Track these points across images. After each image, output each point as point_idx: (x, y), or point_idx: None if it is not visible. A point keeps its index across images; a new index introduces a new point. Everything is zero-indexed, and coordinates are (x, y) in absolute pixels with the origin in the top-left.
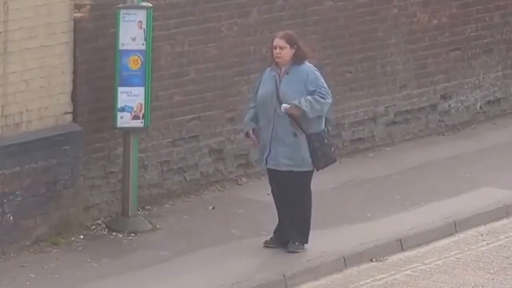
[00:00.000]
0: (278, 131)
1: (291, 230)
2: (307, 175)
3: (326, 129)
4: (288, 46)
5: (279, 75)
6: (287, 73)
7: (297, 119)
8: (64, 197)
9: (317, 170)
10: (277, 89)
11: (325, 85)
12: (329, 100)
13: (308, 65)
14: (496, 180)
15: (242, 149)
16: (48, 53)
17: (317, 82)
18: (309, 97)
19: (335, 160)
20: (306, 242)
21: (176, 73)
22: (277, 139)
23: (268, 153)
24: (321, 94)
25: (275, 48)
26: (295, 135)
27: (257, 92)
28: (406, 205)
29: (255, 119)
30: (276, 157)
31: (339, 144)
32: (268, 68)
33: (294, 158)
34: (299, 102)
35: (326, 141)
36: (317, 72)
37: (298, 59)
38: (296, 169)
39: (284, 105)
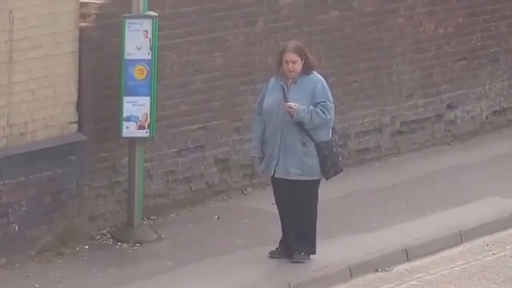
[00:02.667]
0: (286, 140)
1: (297, 240)
2: (315, 184)
3: (333, 138)
4: (299, 59)
5: (287, 84)
6: (295, 82)
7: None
8: (69, 207)
9: (327, 179)
10: (285, 98)
11: (331, 99)
12: (330, 116)
13: (316, 75)
14: (502, 190)
15: (248, 159)
16: (53, 62)
17: (323, 94)
18: (312, 108)
19: (342, 169)
20: (313, 253)
21: (181, 83)
22: (285, 148)
23: (277, 163)
24: (325, 108)
25: (288, 63)
26: (303, 144)
27: (261, 101)
28: (412, 215)
29: (263, 140)
30: (285, 166)
31: (345, 154)
32: (273, 78)
33: (303, 167)
34: (303, 110)
35: (335, 149)
36: (325, 84)
37: (307, 68)
38: (304, 178)
39: (290, 103)
